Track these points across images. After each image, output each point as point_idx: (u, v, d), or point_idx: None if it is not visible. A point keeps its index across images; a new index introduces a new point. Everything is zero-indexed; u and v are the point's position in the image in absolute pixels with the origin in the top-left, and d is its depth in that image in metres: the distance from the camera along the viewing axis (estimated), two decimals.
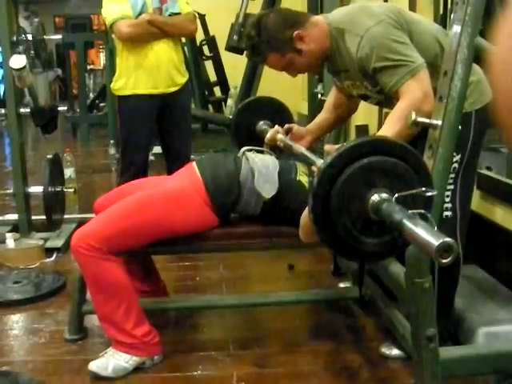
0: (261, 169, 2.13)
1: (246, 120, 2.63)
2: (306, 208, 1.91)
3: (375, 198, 1.40)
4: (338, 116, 2.42)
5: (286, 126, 2.38)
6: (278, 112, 2.65)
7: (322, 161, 1.80)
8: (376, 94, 2.06)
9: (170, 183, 2.24)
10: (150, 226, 2.07)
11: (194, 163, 2.26)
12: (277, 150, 2.38)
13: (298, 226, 2.13)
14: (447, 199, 1.92)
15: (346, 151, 1.46)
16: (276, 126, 2.38)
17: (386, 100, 2.08)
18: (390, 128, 1.83)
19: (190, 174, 2.20)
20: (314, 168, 1.94)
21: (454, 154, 1.79)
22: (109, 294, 2.06)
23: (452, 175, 1.89)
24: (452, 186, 1.93)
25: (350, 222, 1.44)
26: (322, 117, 2.44)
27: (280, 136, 2.32)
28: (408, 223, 1.26)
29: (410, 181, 1.45)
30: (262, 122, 2.58)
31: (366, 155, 1.45)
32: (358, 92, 2.13)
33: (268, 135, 2.36)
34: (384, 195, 1.40)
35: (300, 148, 2.19)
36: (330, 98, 2.42)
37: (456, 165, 1.90)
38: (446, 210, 1.93)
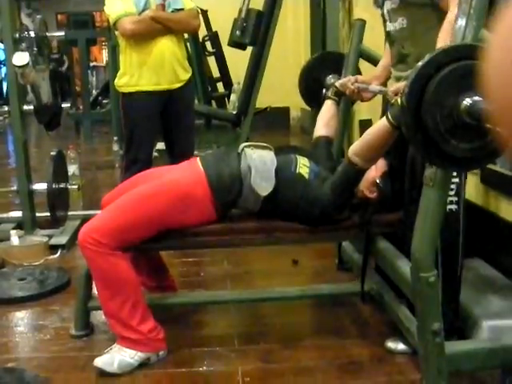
0: (258, 166, 2.14)
1: (314, 75, 2.85)
2: (372, 128, 1.97)
3: (467, 101, 1.42)
4: None
5: (353, 77, 2.50)
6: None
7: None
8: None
9: (174, 176, 2.24)
10: (152, 218, 2.08)
11: (198, 159, 2.26)
12: (342, 96, 2.55)
13: (298, 221, 2.14)
14: (451, 192, 1.91)
15: (441, 53, 1.48)
16: (349, 76, 2.53)
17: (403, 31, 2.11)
18: (445, 42, 1.78)
19: (194, 169, 2.20)
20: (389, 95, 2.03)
21: None
22: (115, 290, 2.07)
23: None
24: (457, 179, 1.92)
25: (442, 121, 1.45)
26: (386, 60, 2.45)
27: (353, 82, 2.43)
28: None
29: None
30: (330, 76, 2.78)
31: (460, 59, 1.46)
32: (387, 8, 2.16)
33: (341, 80, 2.50)
34: (477, 98, 1.42)
35: (375, 87, 2.35)
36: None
37: None
38: (451, 203, 1.92)
